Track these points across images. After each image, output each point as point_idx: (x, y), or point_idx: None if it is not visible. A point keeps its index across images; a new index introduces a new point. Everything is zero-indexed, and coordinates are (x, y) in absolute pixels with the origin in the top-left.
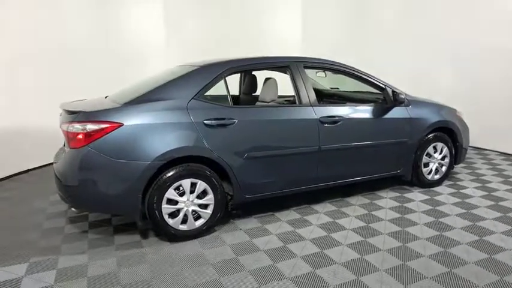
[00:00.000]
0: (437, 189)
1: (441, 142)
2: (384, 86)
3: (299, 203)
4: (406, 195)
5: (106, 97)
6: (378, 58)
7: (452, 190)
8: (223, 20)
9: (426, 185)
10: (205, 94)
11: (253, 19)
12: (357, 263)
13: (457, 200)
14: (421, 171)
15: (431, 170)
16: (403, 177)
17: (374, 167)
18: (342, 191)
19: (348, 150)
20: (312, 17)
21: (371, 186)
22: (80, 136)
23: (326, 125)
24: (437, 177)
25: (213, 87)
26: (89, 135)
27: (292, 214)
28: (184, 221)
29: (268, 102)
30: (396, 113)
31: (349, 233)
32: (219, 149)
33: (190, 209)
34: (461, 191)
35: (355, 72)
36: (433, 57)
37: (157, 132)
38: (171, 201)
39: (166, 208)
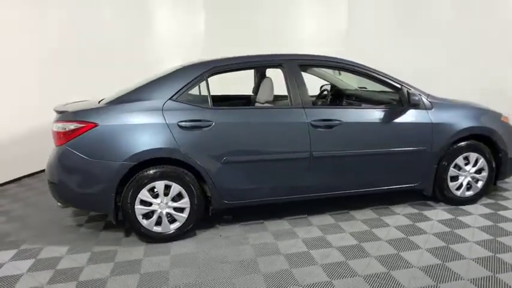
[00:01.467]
0: (469, 208)
1: (475, 152)
2: (399, 86)
3: (292, 212)
4: (425, 212)
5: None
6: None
7: (488, 211)
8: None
9: (455, 202)
10: (190, 94)
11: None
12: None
13: (487, 223)
14: (447, 185)
15: (461, 185)
16: (424, 192)
17: (383, 178)
18: (351, 203)
19: (348, 158)
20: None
21: (388, 200)
22: (61, 135)
23: (319, 129)
24: (469, 193)
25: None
26: (67, 134)
27: (277, 224)
28: (158, 223)
29: (263, 103)
30: (413, 116)
31: (332, 251)
32: (194, 152)
33: (164, 212)
34: (499, 212)
35: (361, 70)
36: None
37: (130, 133)
38: (144, 203)
39: (139, 209)
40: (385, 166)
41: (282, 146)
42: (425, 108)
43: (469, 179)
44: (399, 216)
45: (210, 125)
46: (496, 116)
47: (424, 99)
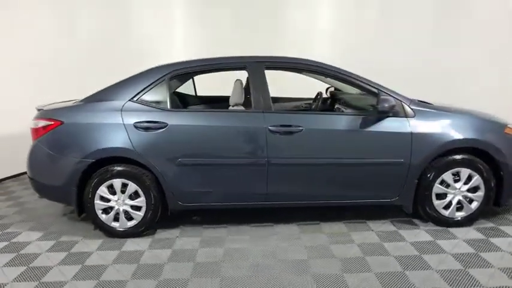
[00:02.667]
0: (458, 231)
1: (468, 168)
2: (376, 91)
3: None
4: (402, 231)
5: None
6: None
7: (478, 236)
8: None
9: (443, 223)
10: (150, 96)
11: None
12: None
13: (468, 250)
14: (432, 203)
15: (450, 204)
16: (404, 209)
17: (353, 190)
18: (329, 213)
19: (310, 167)
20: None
21: (370, 213)
22: (34, 131)
23: (277, 135)
24: (461, 214)
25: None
26: (38, 131)
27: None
28: (117, 219)
29: (233, 106)
30: (389, 125)
31: (263, 261)
32: (148, 152)
33: (121, 209)
34: (491, 239)
35: (333, 73)
36: None
37: (90, 132)
38: (103, 199)
39: (98, 204)
40: (355, 178)
41: (237, 151)
42: (406, 116)
43: (459, 197)
44: (371, 232)
45: (165, 127)
46: (498, 127)
47: (406, 107)
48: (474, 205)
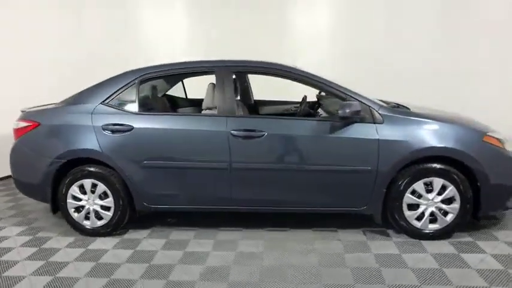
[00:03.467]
0: (430, 244)
1: (441, 178)
2: (344, 96)
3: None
4: (371, 242)
5: None
6: None
7: (451, 250)
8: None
9: (416, 235)
10: (121, 99)
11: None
12: None
13: (433, 265)
14: (402, 214)
15: (422, 215)
16: (375, 220)
17: (319, 198)
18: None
19: (274, 173)
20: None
21: (344, 222)
22: (15, 131)
23: (239, 139)
24: (434, 227)
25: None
26: (18, 131)
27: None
28: (88, 218)
29: (205, 110)
30: (355, 131)
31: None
32: (115, 154)
33: (91, 208)
34: (462, 255)
35: (302, 77)
36: None
37: (64, 133)
38: (75, 198)
39: (70, 203)
40: (321, 185)
41: (200, 155)
42: (374, 122)
43: (432, 209)
44: (336, 242)
45: (131, 130)
46: (475, 135)
47: (375, 112)
48: (449, 217)
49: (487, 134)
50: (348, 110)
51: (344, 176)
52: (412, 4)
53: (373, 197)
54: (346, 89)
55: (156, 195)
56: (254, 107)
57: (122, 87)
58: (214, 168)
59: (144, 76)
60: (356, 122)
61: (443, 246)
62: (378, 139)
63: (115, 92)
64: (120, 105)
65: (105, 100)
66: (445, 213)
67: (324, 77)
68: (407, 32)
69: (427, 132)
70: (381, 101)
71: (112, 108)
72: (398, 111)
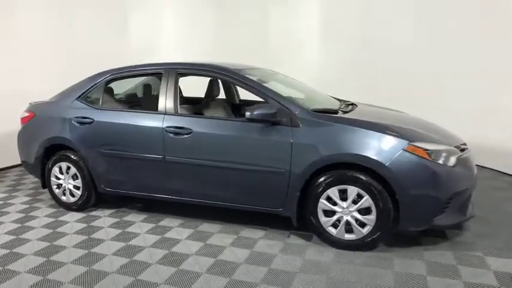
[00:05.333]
0: (345, 254)
1: (355, 186)
2: (265, 97)
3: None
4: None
5: None
6: None
7: (369, 266)
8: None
9: (332, 243)
10: (91, 96)
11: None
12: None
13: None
14: (318, 220)
15: (338, 223)
16: (292, 221)
17: (238, 195)
18: (227, 214)
19: (199, 168)
20: None
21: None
22: (21, 120)
23: (171, 135)
24: (350, 237)
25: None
26: (23, 119)
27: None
28: (64, 194)
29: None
30: (271, 133)
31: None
32: (80, 142)
33: (67, 186)
34: (378, 269)
35: (232, 79)
36: None
37: (48, 123)
38: (56, 177)
39: (53, 181)
40: (240, 183)
41: (141, 147)
42: (291, 125)
43: (348, 218)
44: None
45: (92, 122)
46: (396, 144)
47: (293, 116)
48: (366, 229)
49: (411, 143)
50: (255, 112)
51: (260, 176)
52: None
53: (288, 200)
54: (270, 90)
55: (110, 180)
56: (238, 107)
57: (92, 86)
58: (152, 160)
59: (110, 76)
60: (275, 124)
61: (369, 259)
62: (292, 142)
63: (87, 90)
64: (89, 101)
65: (79, 96)
66: (363, 225)
67: (253, 79)
68: (403, 31)
69: (342, 138)
70: (339, 99)
71: (82, 104)
72: (318, 116)
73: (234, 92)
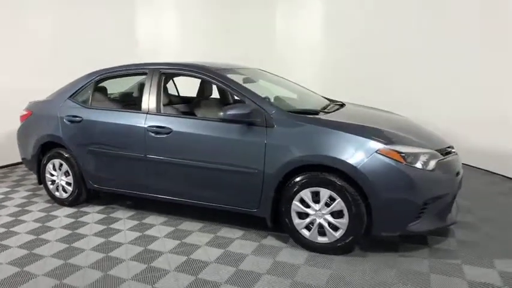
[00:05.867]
0: (319, 259)
1: (328, 189)
2: (242, 97)
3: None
4: (272, 243)
5: None
6: None
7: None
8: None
9: (305, 245)
10: (82, 95)
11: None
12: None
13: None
14: (292, 222)
15: (312, 226)
16: (267, 223)
17: (216, 195)
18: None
19: (178, 167)
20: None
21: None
22: (20, 118)
23: (152, 134)
24: (323, 240)
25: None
26: (22, 117)
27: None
28: (58, 190)
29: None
30: (245, 133)
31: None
32: (70, 140)
33: (60, 183)
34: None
35: (213, 79)
36: None
37: (43, 121)
38: (50, 174)
39: (48, 177)
40: (217, 182)
41: (124, 145)
42: (266, 125)
43: (321, 221)
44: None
45: (81, 121)
46: (368, 146)
47: (267, 116)
48: (339, 233)
49: (385, 146)
50: (228, 112)
51: (235, 176)
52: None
53: (263, 200)
54: (247, 91)
55: (97, 177)
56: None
57: (82, 86)
58: (135, 159)
59: (99, 77)
60: (251, 124)
61: (341, 265)
62: (266, 143)
63: (78, 90)
64: (79, 100)
65: (71, 96)
66: (336, 228)
67: (232, 79)
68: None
69: (314, 139)
70: (329, 99)
71: (73, 103)
72: (293, 116)
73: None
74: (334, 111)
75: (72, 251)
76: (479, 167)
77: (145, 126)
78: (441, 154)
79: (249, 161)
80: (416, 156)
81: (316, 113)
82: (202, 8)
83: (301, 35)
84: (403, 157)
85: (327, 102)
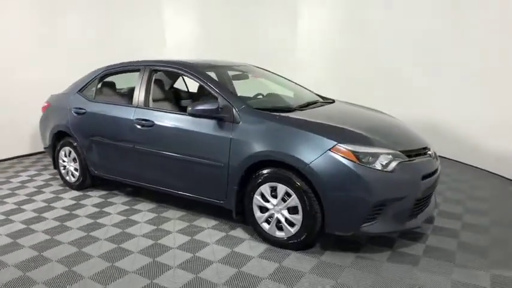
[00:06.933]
0: (275, 253)
1: (284, 185)
2: (216, 95)
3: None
4: (238, 235)
5: None
6: None
7: (272, 263)
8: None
9: (266, 239)
10: (90, 89)
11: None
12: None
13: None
14: (253, 215)
15: (271, 220)
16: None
17: (188, 185)
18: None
19: (159, 157)
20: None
21: (219, 212)
22: (42, 109)
23: (138, 126)
24: (280, 235)
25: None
26: (43, 109)
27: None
28: (71, 175)
29: (163, 101)
30: (214, 127)
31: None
32: (76, 130)
33: (70, 168)
34: (281, 264)
35: (193, 77)
36: None
37: (57, 112)
38: (62, 160)
39: (60, 163)
40: (189, 174)
41: (118, 136)
42: (233, 121)
43: (279, 216)
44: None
45: (85, 113)
46: (322, 144)
47: (235, 112)
48: (294, 229)
49: (339, 145)
50: (195, 108)
51: (206, 168)
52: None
53: (229, 193)
54: (220, 87)
55: (97, 164)
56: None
57: (90, 81)
58: (126, 149)
59: (105, 72)
60: (220, 119)
61: (304, 264)
62: (231, 138)
63: (85, 84)
64: (85, 94)
65: (80, 90)
66: (293, 224)
67: (208, 76)
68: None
69: (274, 135)
70: (321, 96)
71: (81, 96)
72: (258, 113)
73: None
74: (313, 108)
75: (61, 229)
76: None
77: (133, 119)
78: (408, 156)
79: (217, 155)
80: (375, 156)
81: (290, 110)
82: (222, 8)
83: (320, 35)
84: (357, 156)
85: (316, 99)
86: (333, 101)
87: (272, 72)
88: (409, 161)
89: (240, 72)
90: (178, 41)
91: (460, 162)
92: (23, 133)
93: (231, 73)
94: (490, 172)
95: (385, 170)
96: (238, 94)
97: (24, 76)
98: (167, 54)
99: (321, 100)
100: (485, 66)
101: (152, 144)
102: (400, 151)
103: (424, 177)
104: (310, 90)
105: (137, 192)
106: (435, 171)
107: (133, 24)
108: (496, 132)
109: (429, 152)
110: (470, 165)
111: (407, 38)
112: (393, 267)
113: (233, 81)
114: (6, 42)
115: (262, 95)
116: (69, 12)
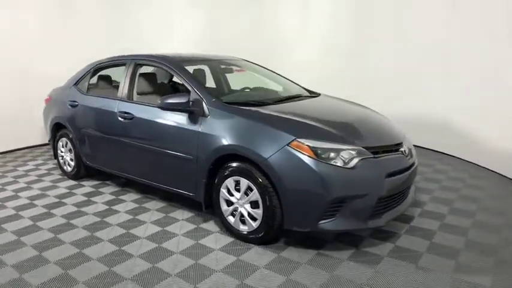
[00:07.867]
0: (237, 247)
1: (246, 179)
2: (189, 89)
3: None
4: (208, 227)
5: None
6: None
7: (232, 259)
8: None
9: (232, 232)
10: (84, 82)
11: None
12: None
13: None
14: (220, 208)
15: (235, 213)
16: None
17: (164, 177)
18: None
19: (137, 149)
20: None
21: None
22: (45, 102)
23: (120, 119)
24: (243, 228)
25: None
26: (45, 101)
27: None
28: (67, 165)
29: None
30: (185, 121)
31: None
32: (70, 122)
33: (66, 158)
34: (241, 256)
35: (173, 71)
36: None
37: (56, 104)
38: (60, 150)
39: (59, 153)
40: (162, 166)
41: (106, 128)
42: (203, 115)
43: (242, 210)
44: (152, 219)
45: (77, 105)
46: (281, 139)
47: (204, 106)
48: (256, 223)
49: (297, 140)
50: (165, 101)
51: (177, 161)
52: None
53: (198, 186)
54: (193, 81)
55: (88, 155)
56: None
57: (84, 74)
58: (113, 140)
59: (96, 66)
60: (191, 112)
61: (263, 259)
62: (199, 131)
63: (80, 78)
64: (80, 88)
65: (75, 83)
66: (255, 218)
67: (185, 70)
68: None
69: (237, 129)
70: (308, 90)
71: (75, 89)
72: (225, 107)
73: (223, 80)
74: (290, 102)
75: (46, 216)
76: None
77: (117, 111)
78: (375, 152)
79: (187, 148)
80: (336, 152)
81: (263, 104)
82: (230, 6)
83: (327, 34)
84: (315, 152)
85: (301, 93)
86: (318, 95)
87: (266, 68)
88: (373, 157)
89: (228, 66)
90: (187, 35)
91: (469, 161)
92: (41, 124)
93: (222, 67)
94: (494, 172)
95: (345, 166)
96: (232, 87)
97: (43, 70)
98: (177, 48)
99: (305, 94)
100: (485, 66)
101: (132, 137)
102: (365, 147)
103: (391, 174)
104: (299, 85)
105: (127, 183)
106: (407, 169)
107: (146, 20)
108: (500, 130)
109: (402, 149)
110: (474, 164)
111: (412, 37)
112: (351, 267)
113: (226, 75)
114: (25, 38)
115: (249, 89)
116: (84, 7)
